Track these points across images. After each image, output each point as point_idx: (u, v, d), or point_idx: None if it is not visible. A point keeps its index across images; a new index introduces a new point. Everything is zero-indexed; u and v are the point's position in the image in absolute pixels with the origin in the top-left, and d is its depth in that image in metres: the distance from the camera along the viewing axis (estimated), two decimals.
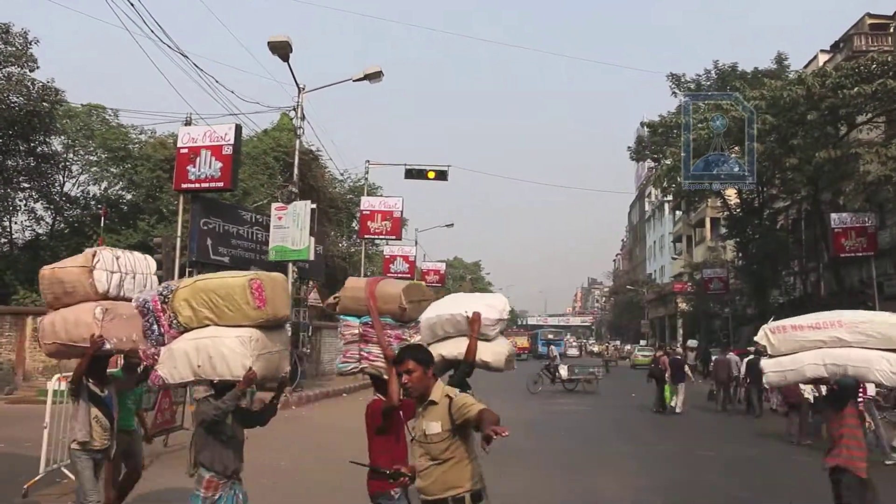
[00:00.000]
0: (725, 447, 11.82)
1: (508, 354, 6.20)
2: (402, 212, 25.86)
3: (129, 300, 5.19)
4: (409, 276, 35.63)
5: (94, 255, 5.21)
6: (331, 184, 30.69)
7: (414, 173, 25.11)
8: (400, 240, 28.13)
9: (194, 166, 16.50)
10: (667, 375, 17.73)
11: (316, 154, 26.28)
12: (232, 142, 16.30)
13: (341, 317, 4.91)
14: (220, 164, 16.31)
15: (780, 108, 24.10)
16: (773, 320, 6.41)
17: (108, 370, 5.91)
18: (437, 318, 5.60)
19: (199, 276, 4.98)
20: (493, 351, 6.07)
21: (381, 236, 26.86)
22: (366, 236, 26.69)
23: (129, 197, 24.06)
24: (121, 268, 5.42)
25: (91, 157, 24.14)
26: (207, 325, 4.55)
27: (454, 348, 5.86)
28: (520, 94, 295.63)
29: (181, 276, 16.84)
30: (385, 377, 4.50)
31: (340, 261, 31.23)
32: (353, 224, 32.73)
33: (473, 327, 5.50)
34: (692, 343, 23.31)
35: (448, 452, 3.47)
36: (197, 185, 16.55)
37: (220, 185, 16.37)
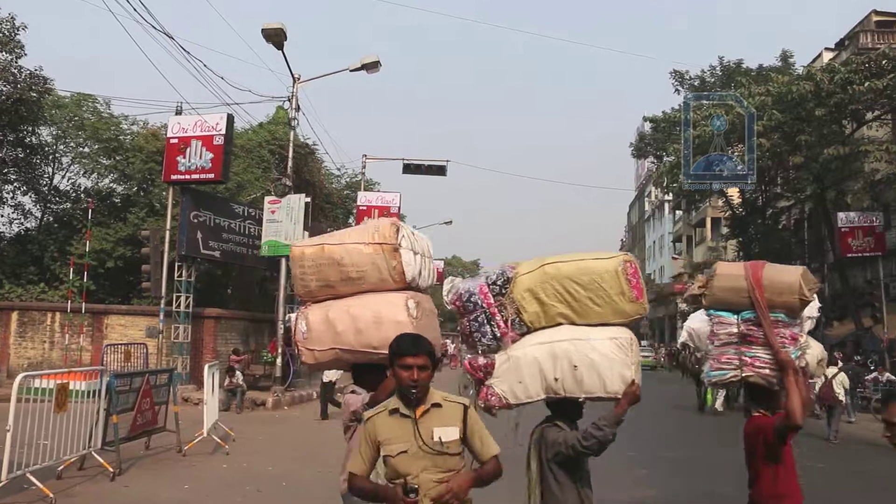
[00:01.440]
0: (737, 452, 11.27)
1: (821, 357, 5.44)
2: (399, 207, 25.32)
3: (422, 290, 3.96)
4: None
5: (397, 230, 3.79)
6: (328, 179, 30.12)
7: (412, 168, 24.61)
8: None
9: (184, 157, 15.99)
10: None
11: (312, 148, 25.69)
12: (223, 132, 15.80)
13: (711, 312, 3.91)
14: (210, 155, 15.80)
15: (787, 104, 23.61)
16: None
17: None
18: None
19: (543, 258, 3.72)
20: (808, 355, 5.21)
21: None
22: None
23: (119, 190, 23.46)
24: (418, 248, 3.97)
25: (82, 149, 23.51)
26: (560, 324, 3.52)
27: None
28: (521, 92, 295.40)
29: (169, 271, 16.32)
30: (775, 388, 3.63)
31: None
32: (350, 220, 32.11)
33: None
34: None
35: (459, 464, 2.88)
36: (187, 177, 16.04)
37: (211, 176, 15.86)
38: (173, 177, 16.07)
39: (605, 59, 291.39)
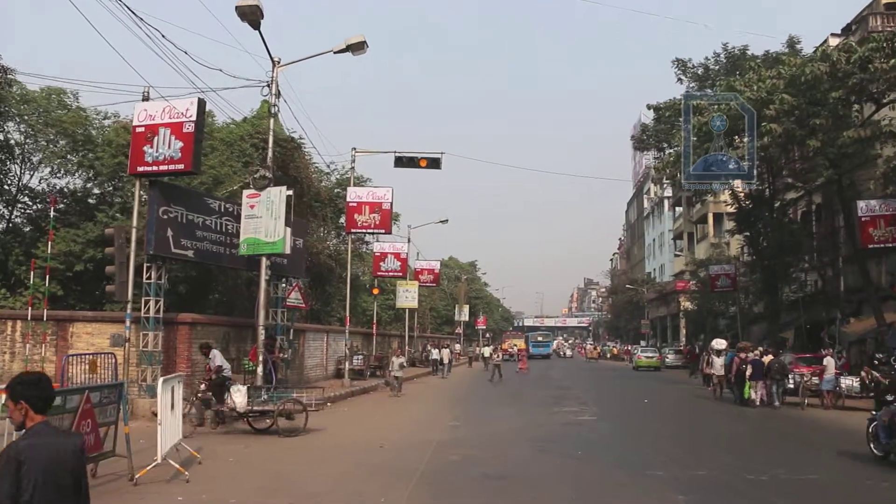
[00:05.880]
0: (776, 468, 9.84)
1: None
2: (391, 203, 23.77)
3: None
4: (400, 274, 33.66)
5: None
6: (317, 176, 28.65)
7: (404, 161, 23.10)
8: (390, 234, 26.11)
9: (152, 147, 14.48)
10: (748, 374, 19.18)
11: (298, 142, 24.20)
12: (194, 118, 14.30)
13: None
14: (180, 144, 14.30)
15: (800, 87, 22.28)
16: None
17: None
18: None
19: None
20: None
21: (369, 230, 24.77)
22: (353, 230, 24.59)
23: (93, 188, 21.91)
24: None
25: (53, 148, 21.97)
26: None
27: None
28: (521, 89, 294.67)
29: (137, 272, 14.85)
30: None
31: (327, 259, 29.16)
32: (341, 220, 30.65)
33: None
34: (719, 344, 21.40)
35: None
36: (155, 169, 14.53)
37: (181, 167, 14.34)
38: (140, 168, 14.55)
39: (603, 57, 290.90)
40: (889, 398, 10.58)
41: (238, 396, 12.31)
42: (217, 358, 13.96)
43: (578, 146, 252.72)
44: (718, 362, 21.14)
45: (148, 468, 8.40)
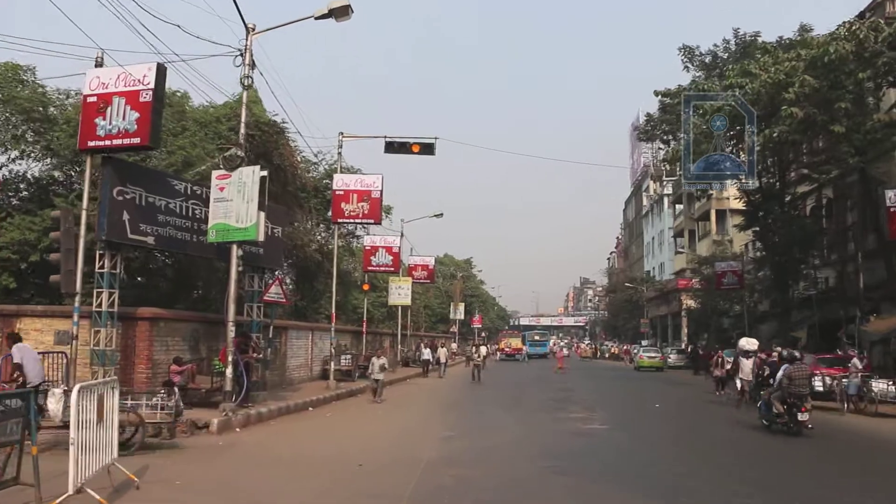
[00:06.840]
0: (844, 495, 8.17)
1: None
2: (381, 192, 22.00)
3: None
4: (392, 269, 31.95)
5: None
6: (304, 166, 26.87)
7: (396, 146, 21.39)
8: (379, 224, 24.34)
9: (104, 118, 12.73)
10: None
11: (281, 126, 22.39)
12: (152, 85, 12.53)
13: None
14: (136, 115, 12.55)
15: (822, 69, 20.69)
16: None
17: None
18: None
19: None
20: None
21: (357, 220, 23.04)
22: (340, 220, 22.83)
23: (55, 173, 20.12)
24: None
25: (14, 132, 20.14)
26: None
27: None
28: (521, 89, 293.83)
29: (87, 260, 13.10)
30: None
31: (314, 253, 27.40)
32: (329, 213, 28.91)
33: None
34: (750, 344, 19.09)
35: None
36: (107, 143, 12.75)
37: (137, 140, 12.59)
38: (91, 143, 12.79)
39: (603, 56, 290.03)
40: (771, 381, 13.78)
41: (52, 402, 9.41)
42: (17, 354, 11.09)
43: (578, 146, 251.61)
44: (748, 364, 18.28)
45: (59, 500, 6.66)
